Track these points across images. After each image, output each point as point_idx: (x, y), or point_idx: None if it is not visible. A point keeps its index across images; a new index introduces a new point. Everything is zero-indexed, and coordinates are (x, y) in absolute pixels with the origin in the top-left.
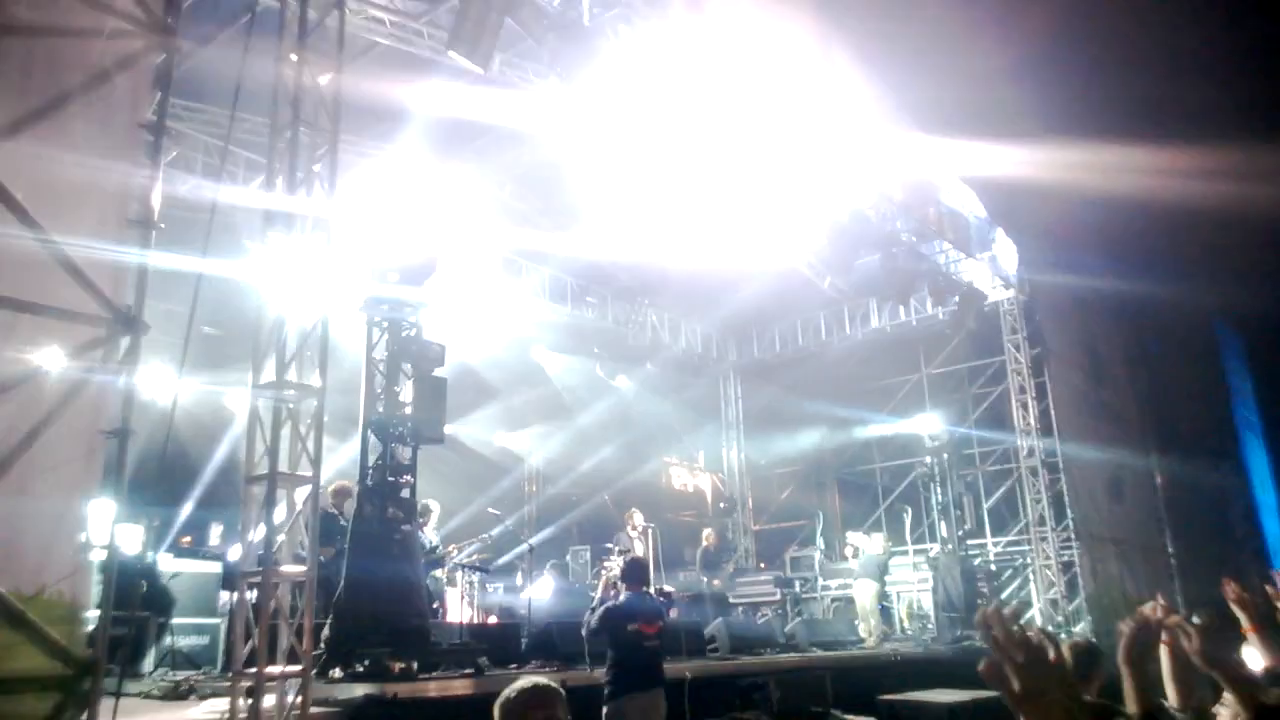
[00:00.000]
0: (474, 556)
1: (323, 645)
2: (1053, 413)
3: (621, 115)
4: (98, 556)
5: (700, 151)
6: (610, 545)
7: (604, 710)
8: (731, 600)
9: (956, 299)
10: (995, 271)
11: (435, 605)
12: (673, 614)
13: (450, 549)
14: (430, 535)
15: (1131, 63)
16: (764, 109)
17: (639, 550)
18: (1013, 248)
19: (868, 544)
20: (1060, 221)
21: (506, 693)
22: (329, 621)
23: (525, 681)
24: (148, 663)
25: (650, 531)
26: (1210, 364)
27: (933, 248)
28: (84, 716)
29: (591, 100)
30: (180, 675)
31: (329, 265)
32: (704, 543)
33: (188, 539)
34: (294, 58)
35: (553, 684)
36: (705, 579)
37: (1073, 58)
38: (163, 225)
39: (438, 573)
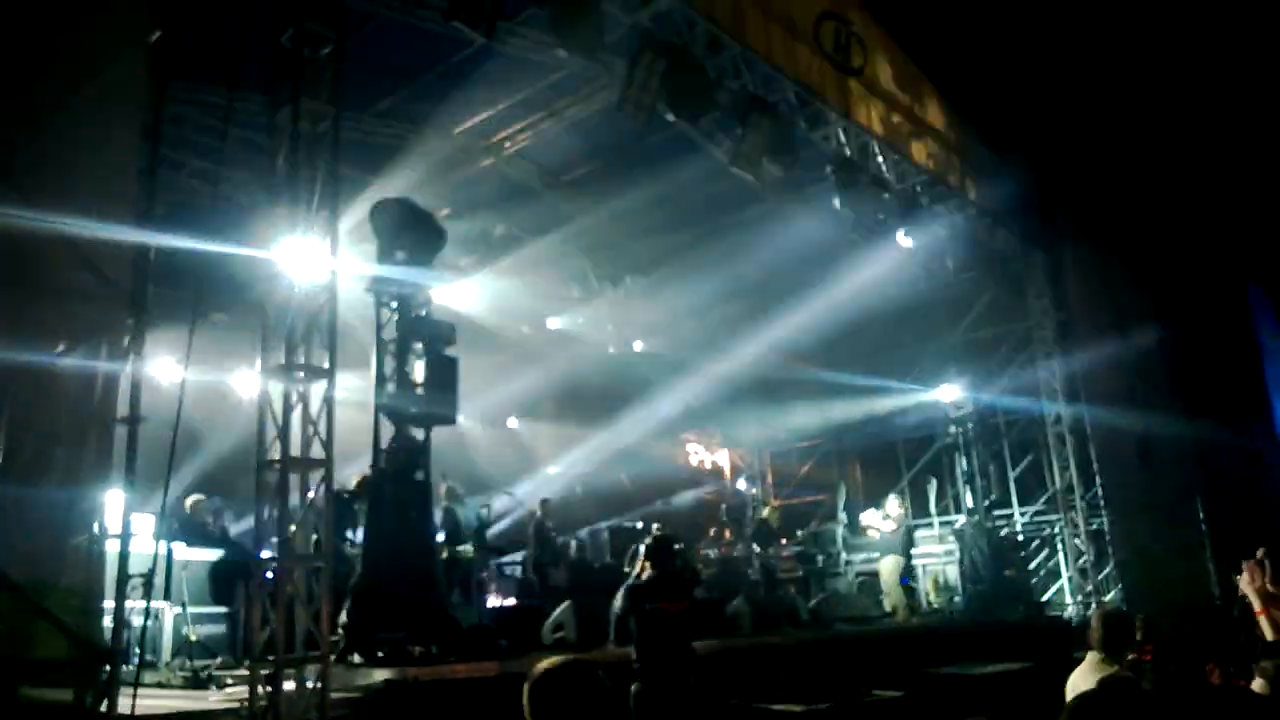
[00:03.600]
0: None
1: (341, 631)
2: (1079, 378)
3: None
4: (112, 546)
5: None
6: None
7: (631, 689)
8: (753, 577)
9: (977, 263)
10: (1019, 234)
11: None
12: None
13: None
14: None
15: None
16: None
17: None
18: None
19: (885, 524)
20: (1084, 181)
21: (536, 671)
22: (347, 607)
23: (556, 659)
24: (165, 652)
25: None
26: (1241, 326)
27: (952, 208)
28: (103, 705)
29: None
30: (198, 664)
31: (335, 244)
32: (765, 514)
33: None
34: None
35: (584, 658)
36: (756, 550)
37: None
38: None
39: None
